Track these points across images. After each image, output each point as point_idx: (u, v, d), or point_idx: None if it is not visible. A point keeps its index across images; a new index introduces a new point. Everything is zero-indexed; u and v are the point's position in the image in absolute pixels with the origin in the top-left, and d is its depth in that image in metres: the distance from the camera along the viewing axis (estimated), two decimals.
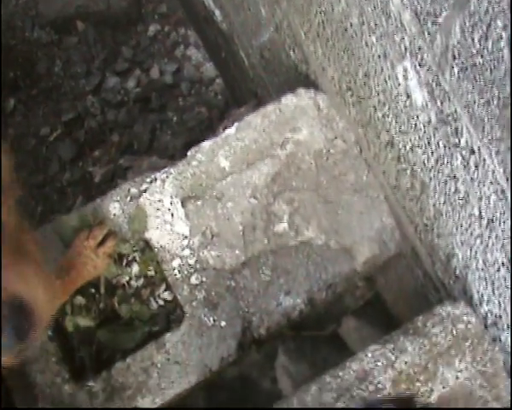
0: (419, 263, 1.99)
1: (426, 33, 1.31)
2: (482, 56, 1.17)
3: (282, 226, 1.97)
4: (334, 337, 2.53)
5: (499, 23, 1.07)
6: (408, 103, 1.53)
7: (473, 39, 1.17)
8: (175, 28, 3.90)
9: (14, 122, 3.59)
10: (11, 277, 1.22)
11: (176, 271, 1.96)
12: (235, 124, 2.06)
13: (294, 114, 2.06)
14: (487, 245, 1.50)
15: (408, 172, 1.73)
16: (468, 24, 1.16)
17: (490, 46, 1.13)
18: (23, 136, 3.55)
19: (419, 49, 1.37)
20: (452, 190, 1.53)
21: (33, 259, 1.37)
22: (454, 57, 1.25)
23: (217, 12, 3.06)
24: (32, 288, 1.28)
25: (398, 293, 2.36)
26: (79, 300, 1.95)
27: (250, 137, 2.03)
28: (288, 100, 2.08)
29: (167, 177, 2.00)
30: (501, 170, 1.28)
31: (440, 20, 1.24)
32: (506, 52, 1.09)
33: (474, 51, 1.18)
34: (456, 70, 1.27)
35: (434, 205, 1.67)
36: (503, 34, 1.07)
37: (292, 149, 2.03)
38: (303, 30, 2.01)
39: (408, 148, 1.65)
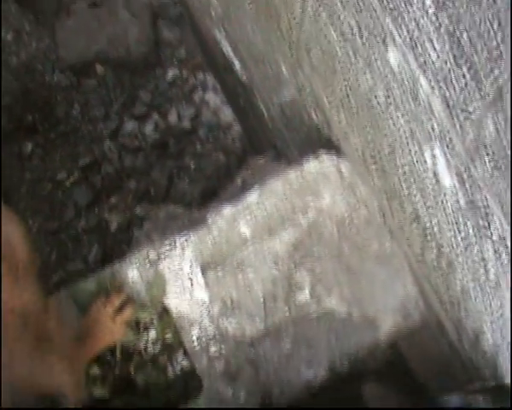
0: (444, 334, 1.95)
1: (457, 125, 1.28)
2: None
3: (304, 296, 1.94)
4: (356, 398, 2.48)
5: None
6: (435, 184, 1.50)
7: (505, 133, 1.13)
8: (193, 73, 3.90)
9: (31, 166, 3.58)
10: (38, 368, 1.19)
11: (194, 339, 1.92)
12: (257, 190, 2.02)
13: (317, 180, 2.03)
14: None
15: (434, 249, 1.69)
16: (502, 122, 1.13)
17: None
18: (39, 180, 3.55)
19: (449, 137, 1.33)
20: (482, 273, 1.49)
21: (58, 341, 1.34)
22: (486, 151, 1.22)
23: (236, 63, 3.05)
24: (59, 376, 1.25)
25: (422, 358, 2.31)
26: (95, 370, 1.91)
27: (272, 203, 2.00)
28: (311, 165, 2.05)
29: (187, 243, 1.97)
30: None
31: (473, 116, 1.21)
32: None
33: (505, 144, 1.15)
34: (487, 162, 1.24)
35: (462, 284, 1.63)
36: None
37: (314, 216, 2.00)
38: (326, 96, 1.98)
39: (435, 225, 1.62)
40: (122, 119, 3.71)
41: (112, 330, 1.87)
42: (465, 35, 1.13)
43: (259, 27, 2.38)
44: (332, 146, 2.13)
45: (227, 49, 3.14)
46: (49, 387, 1.20)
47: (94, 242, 3.29)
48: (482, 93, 1.15)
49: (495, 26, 1.04)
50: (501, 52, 1.05)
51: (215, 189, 3.40)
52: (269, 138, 3.07)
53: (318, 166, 2.05)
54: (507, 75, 1.06)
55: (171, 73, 3.89)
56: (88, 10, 3.96)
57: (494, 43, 1.06)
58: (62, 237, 3.33)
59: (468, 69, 1.17)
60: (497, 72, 1.08)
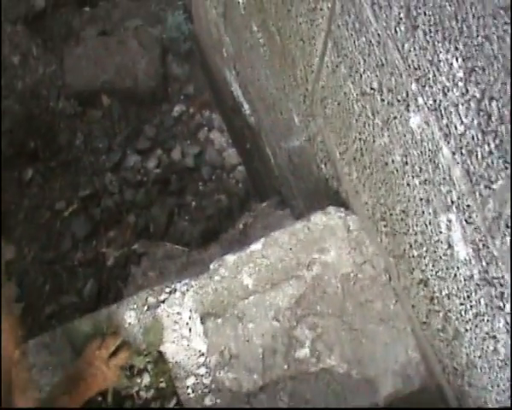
0: (445, 403, 1.90)
1: (477, 194, 1.25)
2: None
3: (304, 352, 1.89)
4: None
5: None
6: (449, 253, 1.46)
7: None
8: (200, 110, 3.88)
9: (30, 193, 3.55)
10: None
11: (189, 389, 1.87)
12: (262, 239, 1.98)
13: (323, 233, 1.99)
14: None
15: (441, 314, 1.65)
16: None
17: None
18: (38, 208, 3.51)
19: (467, 206, 1.30)
20: (491, 348, 1.45)
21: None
22: (507, 226, 1.19)
23: (245, 105, 3.03)
24: None
25: None
26: None
27: (276, 255, 1.96)
28: (318, 218, 2.01)
29: (188, 289, 1.93)
30: None
31: (495, 186, 1.18)
32: None
33: None
34: (508, 238, 1.20)
35: (468, 355, 1.59)
36: None
37: (318, 270, 1.96)
38: (338, 150, 1.95)
39: (444, 294, 1.58)
40: (125, 152, 3.69)
41: (105, 374, 1.82)
42: (494, 104, 1.10)
43: (272, 72, 2.37)
44: (340, 200, 2.10)
45: (236, 89, 3.13)
46: None
47: (89, 275, 3.23)
48: (506, 164, 1.12)
49: None
50: None
51: (215, 230, 3.36)
52: (273, 184, 3.04)
53: (326, 219, 2.02)
54: None
55: (177, 109, 3.87)
56: (97, 38, 3.97)
57: None
58: (58, 268, 3.28)
59: (494, 139, 1.14)
60: None
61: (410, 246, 1.67)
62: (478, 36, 1.07)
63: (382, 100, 1.52)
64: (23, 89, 3.69)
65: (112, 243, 3.37)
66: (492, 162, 1.16)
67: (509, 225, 1.18)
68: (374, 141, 1.66)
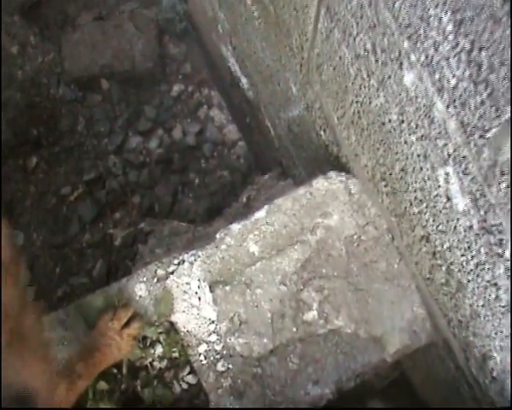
0: (451, 356, 1.94)
1: (472, 145, 1.28)
2: None
3: (312, 314, 1.93)
4: None
5: None
6: (448, 206, 1.50)
7: None
8: (199, 88, 3.91)
9: (35, 180, 3.58)
10: (13, 364, 1.19)
11: (202, 356, 1.92)
12: (265, 207, 2.02)
13: (325, 198, 2.03)
14: None
15: (443, 268, 1.69)
16: None
17: None
18: (44, 194, 3.54)
19: (463, 158, 1.34)
20: (493, 296, 1.49)
21: (38, 345, 1.33)
22: (502, 173, 1.22)
23: (243, 79, 3.05)
24: (34, 378, 1.24)
25: (427, 379, 2.30)
26: (102, 385, 1.90)
27: (280, 221, 2.00)
28: (320, 184, 2.05)
29: (195, 260, 1.97)
30: None
31: (489, 135, 1.21)
32: None
33: None
34: (504, 185, 1.24)
35: (471, 305, 1.63)
36: None
37: (322, 234, 2.00)
38: (336, 115, 1.99)
39: (445, 247, 1.62)
40: (127, 134, 3.72)
41: (119, 344, 1.86)
42: (483, 54, 1.13)
43: (268, 44, 2.39)
44: (341, 165, 2.14)
45: (234, 65, 3.15)
46: (16, 384, 1.20)
47: (98, 256, 3.28)
48: (499, 112, 1.15)
49: None
50: None
51: (219, 206, 3.40)
52: (274, 156, 3.07)
53: (327, 184, 2.06)
54: None
55: (176, 89, 3.90)
56: (93, 24, 3.99)
57: None
58: (67, 251, 3.33)
59: (485, 88, 1.17)
60: None
61: (411, 203, 1.71)
62: None
63: (376, 61, 1.55)
64: (23, 78, 3.72)
65: (118, 223, 3.41)
66: (485, 112, 1.20)
67: (505, 171, 1.22)
68: (370, 102, 1.69)
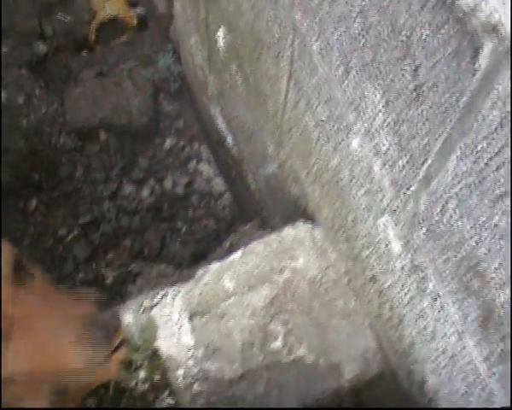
0: (398, 384, 2.21)
1: (400, 199, 1.59)
2: (441, 225, 1.44)
3: (277, 344, 2.21)
4: None
5: (451, 205, 1.35)
6: (387, 250, 1.80)
7: (434, 211, 1.45)
8: (189, 143, 4.22)
9: (34, 221, 3.86)
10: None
11: (180, 379, 2.18)
12: (241, 249, 2.32)
13: (293, 244, 2.33)
14: (451, 376, 1.74)
15: (387, 305, 1.98)
16: (430, 199, 1.44)
17: (446, 219, 1.41)
18: (42, 235, 3.81)
19: (395, 209, 1.64)
20: (422, 325, 1.78)
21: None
22: (420, 222, 1.53)
23: (229, 138, 3.38)
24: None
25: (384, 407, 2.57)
26: (91, 402, 2.16)
27: (253, 262, 2.29)
28: (288, 231, 2.35)
29: (177, 293, 2.25)
30: (458, 315, 1.54)
31: (410, 190, 1.52)
32: (458, 226, 1.36)
33: (435, 220, 1.46)
34: (422, 231, 1.54)
35: (410, 335, 1.92)
36: (455, 213, 1.35)
37: (289, 275, 2.29)
38: (303, 173, 2.30)
39: (387, 285, 1.91)
40: (121, 182, 4.00)
41: (107, 368, 2.13)
42: (404, 126, 1.45)
43: (250, 108, 2.72)
44: (308, 216, 2.44)
45: (221, 124, 3.48)
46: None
47: None
48: (416, 172, 1.46)
49: (423, 122, 1.36)
50: (427, 143, 1.37)
51: (204, 251, 3.67)
52: (255, 208, 3.37)
53: (295, 231, 2.36)
54: (431, 160, 1.38)
55: (168, 143, 4.19)
56: (94, 80, 4.29)
57: (424, 136, 1.38)
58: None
59: (406, 153, 1.48)
60: (425, 158, 1.40)
61: (361, 248, 2.01)
62: (388, 77, 1.42)
63: (331, 128, 1.87)
64: (27, 126, 4.01)
65: (110, 264, 3.68)
66: (408, 172, 1.51)
67: (423, 220, 1.52)
68: (328, 163, 2.01)
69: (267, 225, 3.21)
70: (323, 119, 1.90)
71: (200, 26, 3.04)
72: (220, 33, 2.73)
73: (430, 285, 1.63)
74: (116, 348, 2.15)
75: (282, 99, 2.21)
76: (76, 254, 3.72)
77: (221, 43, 2.77)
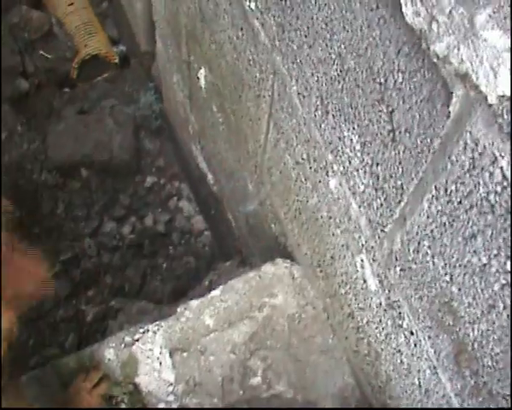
0: None
1: (376, 237, 1.64)
2: (416, 263, 1.49)
3: (257, 380, 2.24)
4: None
5: (425, 244, 1.40)
6: (364, 287, 1.85)
7: (409, 250, 1.50)
8: (170, 181, 4.26)
9: None
10: None
11: None
12: (221, 286, 2.36)
13: (272, 281, 2.37)
14: None
15: (365, 341, 2.02)
16: (405, 238, 1.49)
17: (420, 258, 1.46)
18: None
19: (372, 247, 1.70)
20: (398, 361, 1.82)
21: None
22: (396, 259, 1.58)
23: (209, 176, 3.43)
24: None
25: None
26: None
27: (233, 299, 2.33)
28: (267, 268, 2.40)
29: (158, 329, 2.28)
30: (432, 350, 1.59)
31: (386, 229, 1.58)
32: (432, 264, 1.41)
33: (410, 258, 1.51)
34: (398, 269, 1.59)
35: (386, 371, 1.96)
36: (429, 251, 1.40)
37: (268, 312, 2.33)
38: (283, 210, 2.35)
39: (365, 322, 1.96)
40: (102, 219, 4.03)
41: (89, 402, 2.15)
42: (379, 168, 1.50)
43: (230, 146, 2.77)
44: (287, 253, 2.49)
45: (201, 162, 3.53)
46: None
47: (70, 330, 3.55)
48: (391, 212, 1.52)
49: (398, 164, 1.42)
50: (402, 184, 1.42)
51: (184, 288, 3.69)
52: (235, 245, 3.42)
53: (274, 269, 2.40)
54: (406, 200, 1.43)
55: (149, 180, 4.23)
56: (76, 117, 4.33)
57: (399, 177, 1.43)
58: (41, 324, 3.59)
59: (382, 193, 1.54)
60: (400, 198, 1.46)
61: (339, 285, 2.06)
62: (365, 119, 1.48)
63: (310, 168, 1.92)
64: (9, 163, 4.03)
65: (91, 300, 3.70)
66: (383, 211, 1.56)
67: (398, 258, 1.57)
68: (307, 201, 2.06)
69: (246, 262, 3.25)
70: (303, 158, 1.96)
71: (182, 65, 3.10)
72: (202, 73, 2.79)
73: (405, 322, 1.68)
74: (97, 383, 2.20)
75: (262, 139, 2.27)
76: (56, 290, 3.72)
77: (202, 82, 2.83)
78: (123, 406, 2.24)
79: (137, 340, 2.28)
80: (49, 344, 3.51)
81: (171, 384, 2.23)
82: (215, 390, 2.23)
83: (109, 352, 2.27)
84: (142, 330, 2.30)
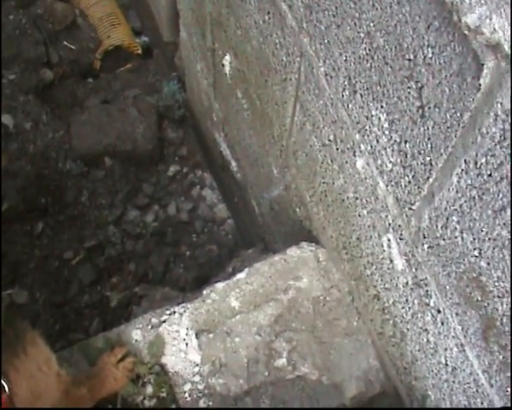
0: (400, 402, 2.26)
1: (404, 216, 1.66)
2: (444, 239, 1.50)
3: (282, 362, 2.26)
4: None
5: (453, 219, 1.42)
6: (391, 267, 1.86)
7: (437, 226, 1.51)
8: (193, 170, 4.28)
9: (40, 244, 3.91)
10: None
11: (186, 394, 2.23)
12: (246, 269, 2.38)
13: (297, 264, 2.39)
14: (452, 389, 1.79)
15: (390, 322, 2.04)
16: (433, 214, 1.50)
17: (448, 234, 1.47)
18: (47, 257, 3.86)
19: (399, 226, 1.71)
20: (425, 340, 1.83)
21: None
22: (424, 237, 1.59)
23: (233, 163, 3.45)
24: None
25: None
26: None
27: (258, 282, 2.35)
28: (293, 251, 2.42)
29: (185, 311, 2.31)
30: (459, 328, 1.60)
31: (414, 207, 1.59)
32: (460, 239, 1.43)
33: (438, 235, 1.52)
34: (425, 247, 1.61)
35: (411, 352, 1.97)
36: (457, 226, 1.42)
37: (293, 294, 2.35)
38: (308, 194, 2.37)
39: (390, 302, 1.97)
40: (126, 207, 4.06)
41: (115, 374, 2.18)
42: (408, 146, 1.51)
43: (255, 132, 2.79)
44: (312, 237, 2.51)
45: (225, 149, 3.55)
46: None
47: (95, 316, 3.59)
48: (420, 190, 1.53)
49: (427, 140, 1.43)
50: (430, 160, 1.43)
51: (207, 276, 3.72)
52: (258, 232, 3.44)
53: (299, 252, 2.42)
54: (434, 176, 1.44)
55: (172, 169, 4.26)
56: (100, 106, 4.36)
57: (428, 154, 1.45)
58: (66, 310, 3.64)
59: (410, 171, 1.55)
60: (429, 175, 1.47)
61: (365, 267, 2.07)
62: (393, 97, 1.50)
63: (337, 149, 1.94)
64: (34, 152, 4.07)
65: (115, 287, 3.74)
66: (411, 189, 1.57)
67: (426, 235, 1.59)
68: (333, 183, 2.07)
69: (269, 249, 3.27)
70: (329, 140, 1.97)
71: (207, 53, 3.12)
72: (227, 59, 2.81)
73: (432, 300, 1.69)
74: (122, 358, 2.23)
75: (288, 122, 2.28)
76: (81, 277, 3.76)
77: (227, 69, 2.85)
78: (149, 386, 2.27)
79: (164, 321, 2.31)
80: (74, 329, 3.55)
81: (197, 365, 2.25)
82: (240, 371, 2.25)
83: (136, 333, 2.30)
84: (168, 312, 2.33)
